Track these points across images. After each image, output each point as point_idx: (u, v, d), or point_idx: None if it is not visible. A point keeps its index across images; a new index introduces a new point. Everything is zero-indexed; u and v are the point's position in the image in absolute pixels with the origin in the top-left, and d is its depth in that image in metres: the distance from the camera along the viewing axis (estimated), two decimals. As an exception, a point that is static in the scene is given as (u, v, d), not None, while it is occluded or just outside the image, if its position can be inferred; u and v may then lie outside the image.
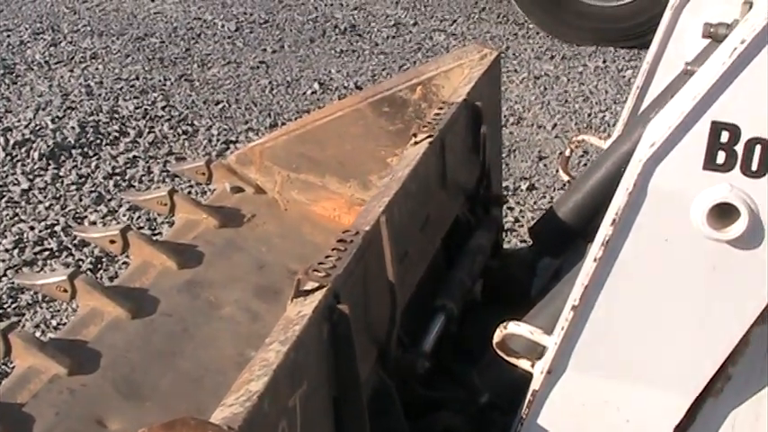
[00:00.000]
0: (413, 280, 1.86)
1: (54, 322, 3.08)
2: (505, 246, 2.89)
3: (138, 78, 5.18)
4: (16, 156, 4.13)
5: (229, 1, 6.80)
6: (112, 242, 2.03)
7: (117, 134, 4.47)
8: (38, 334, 2.95)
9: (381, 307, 1.60)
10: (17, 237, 3.52)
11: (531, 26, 6.55)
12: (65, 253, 3.46)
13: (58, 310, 3.14)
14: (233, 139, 4.55)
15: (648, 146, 1.34)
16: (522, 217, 3.97)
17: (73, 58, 5.46)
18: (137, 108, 4.75)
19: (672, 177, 1.35)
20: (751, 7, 1.70)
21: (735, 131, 1.31)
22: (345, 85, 5.36)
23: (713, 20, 2.10)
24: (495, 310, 1.93)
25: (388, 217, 1.64)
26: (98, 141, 4.37)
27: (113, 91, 4.94)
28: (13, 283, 3.21)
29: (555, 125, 4.99)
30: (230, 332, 1.87)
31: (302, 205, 2.42)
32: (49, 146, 4.21)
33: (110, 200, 3.87)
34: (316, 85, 5.31)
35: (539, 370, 1.52)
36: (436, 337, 1.87)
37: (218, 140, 4.52)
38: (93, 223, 3.68)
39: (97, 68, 5.31)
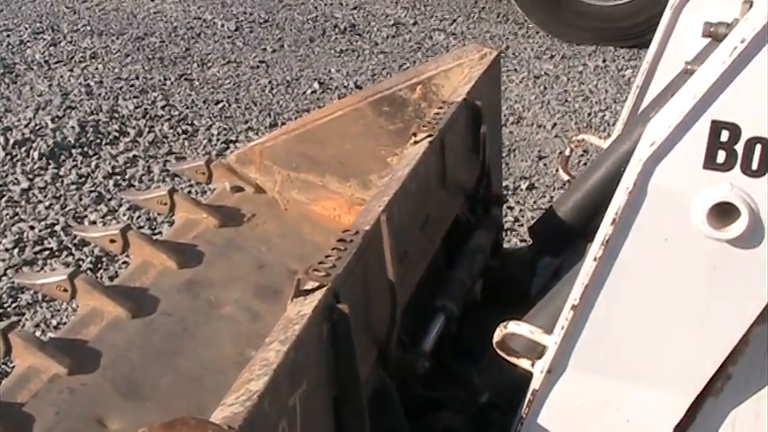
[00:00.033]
0: (413, 280, 1.86)
1: (54, 322, 3.08)
2: (505, 245, 2.89)
3: (137, 78, 5.18)
4: (16, 155, 4.13)
5: (229, 0, 6.80)
6: (112, 242, 2.03)
7: (117, 134, 4.47)
8: (38, 333, 2.95)
9: (381, 307, 1.60)
10: (17, 236, 3.52)
11: (530, 25, 6.55)
12: (65, 252, 3.46)
13: (58, 310, 3.14)
14: (233, 138, 4.55)
15: (648, 145, 1.34)
16: (522, 216, 3.97)
17: (73, 57, 5.46)
18: (137, 107, 4.75)
19: (672, 177, 1.35)
20: (751, 6, 1.70)
21: (735, 131, 1.31)
22: (345, 84, 5.36)
23: (713, 19, 2.10)
24: (495, 309, 1.93)
25: (389, 216, 1.64)
26: (98, 141, 4.37)
27: (113, 90, 4.94)
28: (13, 282, 3.21)
29: (555, 124, 4.99)
30: (230, 332, 1.87)
31: (302, 205, 2.42)
32: (48, 145, 4.21)
33: (110, 199, 3.87)
34: (315, 85, 5.31)
35: (539, 369, 1.52)
36: (436, 337, 1.87)
37: (217, 140, 4.52)
38: (94, 223, 3.68)
39: (97, 68, 5.31)
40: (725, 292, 1.39)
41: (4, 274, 3.29)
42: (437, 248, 2.08)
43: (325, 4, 6.89)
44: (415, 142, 2.01)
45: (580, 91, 5.49)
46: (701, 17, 2.28)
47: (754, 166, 1.32)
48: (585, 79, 5.70)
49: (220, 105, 4.93)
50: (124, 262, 3.27)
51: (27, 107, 4.61)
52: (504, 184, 3.97)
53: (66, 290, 1.82)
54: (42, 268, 3.35)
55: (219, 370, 1.73)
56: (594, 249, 1.41)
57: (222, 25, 6.26)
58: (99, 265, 3.39)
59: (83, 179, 4.02)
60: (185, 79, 5.27)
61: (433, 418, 1.80)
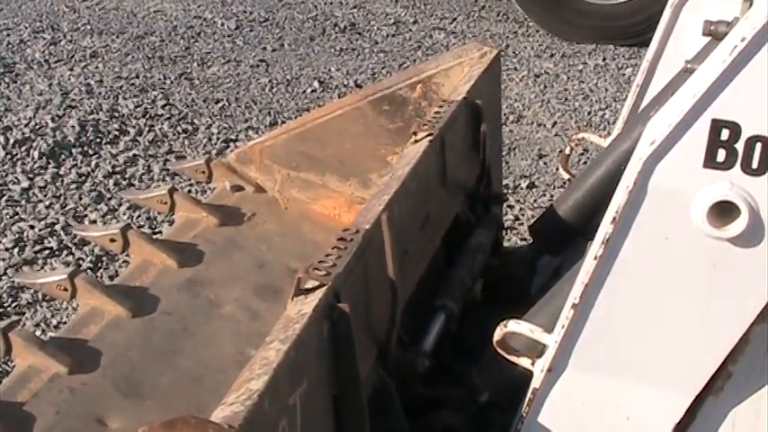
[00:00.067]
0: (413, 278, 1.86)
1: (54, 321, 3.08)
2: (505, 244, 2.89)
3: (137, 77, 5.18)
4: (16, 154, 4.13)
5: (229, -1, 6.81)
6: (112, 241, 2.03)
7: (117, 133, 4.47)
8: (38, 333, 2.95)
9: (381, 306, 1.60)
10: (17, 235, 3.52)
11: (530, 24, 6.55)
12: (65, 252, 3.46)
13: (59, 309, 3.14)
14: (233, 137, 4.55)
15: (648, 144, 1.34)
16: (522, 215, 3.97)
17: (73, 56, 5.46)
18: (137, 107, 4.75)
19: (672, 175, 1.35)
20: (751, 5, 1.70)
21: (735, 129, 1.31)
22: (345, 83, 5.36)
23: (713, 17, 2.10)
24: (496, 308, 1.93)
25: (389, 215, 1.64)
26: (98, 140, 4.37)
27: (113, 89, 4.94)
28: (13, 281, 3.21)
29: (555, 123, 4.98)
30: (230, 331, 1.87)
31: (302, 204, 2.42)
32: (49, 145, 4.21)
33: (110, 198, 3.87)
34: (315, 84, 5.31)
35: (539, 368, 1.52)
36: (436, 336, 1.87)
37: (218, 139, 4.52)
38: (94, 222, 3.68)
39: (97, 67, 5.31)
40: (725, 290, 1.39)
41: (5, 274, 3.29)
42: (437, 247, 2.08)
43: (325, 3, 6.89)
44: (416, 141, 2.01)
45: (580, 89, 5.49)
46: (702, 16, 2.28)
47: (755, 164, 1.32)
48: (585, 78, 5.69)
49: (220, 104, 4.93)
50: (124, 261, 3.27)
51: (27, 106, 4.61)
52: (505, 182, 3.97)
53: (66, 289, 1.82)
54: (42, 267, 3.35)
55: (220, 369, 1.73)
56: (595, 248, 1.41)
57: (222, 24, 6.26)
58: (99, 265, 3.39)
59: (83, 178, 4.02)
60: (185, 78, 5.27)
61: (433, 417, 1.80)
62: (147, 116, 4.67)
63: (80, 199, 3.84)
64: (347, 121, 2.40)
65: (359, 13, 6.75)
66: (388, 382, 1.63)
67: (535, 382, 1.52)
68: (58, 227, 3.61)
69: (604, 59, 6.03)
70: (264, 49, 5.88)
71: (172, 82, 5.18)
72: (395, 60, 5.83)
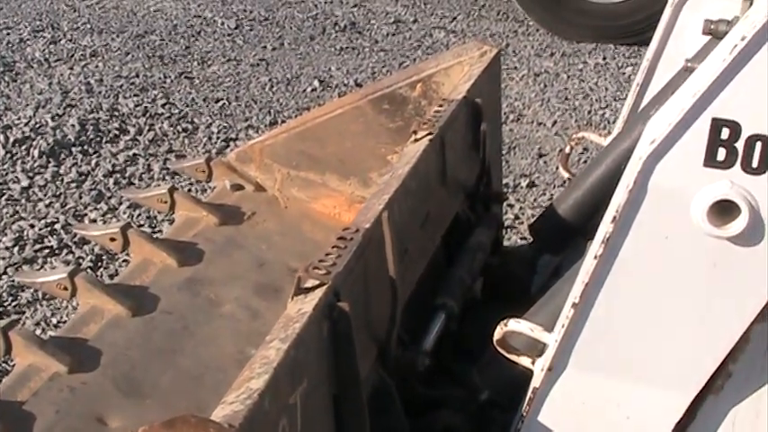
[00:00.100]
0: (413, 277, 1.86)
1: (54, 320, 3.08)
2: (505, 243, 2.89)
3: (138, 76, 5.18)
4: (16, 153, 4.13)
5: (229, -2, 6.81)
6: (113, 240, 2.03)
7: (117, 132, 4.47)
8: (38, 332, 2.95)
9: (382, 305, 1.60)
10: (17, 234, 3.52)
11: (530, 23, 6.54)
12: (65, 251, 3.46)
13: (59, 308, 3.14)
14: (233, 136, 4.55)
15: (649, 143, 1.34)
16: (522, 214, 3.97)
17: (73, 55, 5.46)
18: (137, 106, 4.75)
19: (672, 174, 1.35)
20: (751, 4, 1.70)
21: (735, 128, 1.31)
22: (345, 82, 5.36)
23: (713, 16, 2.10)
24: (496, 307, 1.93)
25: (389, 214, 1.64)
26: (98, 139, 4.37)
27: (113, 89, 4.94)
28: (13, 280, 3.21)
29: (555, 122, 4.98)
30: (230, 330, 1.87)
31: (302, 203, 2.42)
32: (49, 144, 4.20)
33: (110, 197, 3.87)
34: (316, 83, 5.30)
35: (539, 367, 1.52)
36: (436, 336, 1.87)
37: (218, 138, 4.52)
38: (94, 221, 3.68)
39: (97, 66, 5.31)
40: (725, 289, 1.39)
41: (5, 273, 3.28)
42: (437, 246, 2.08)
43: (326, 2, 6.89)
44: (416, 140, 2.01)
45: (580, 88, 5.49)
46: (702, 15, 2.28)
47: (755, 163, 1.32)
48: (586, 77, 5.69)
49: (220, 103, 4.93)
50: (124, 260, 3.26)
51: (27, 105, 4.61)
52: (505, 181, 3.97)
53: (66, 288, 1.82)
54: (42, 266, 3.35)
55: (220, 368, 1.73)
56: (595, 247, 1.41)
57: (222, 23, 6.26)
58: (99, 264, 3.39)
59: (83, 177, 4.02)
60: (185, 77, 5.27)
61: (433, 416, 1.80)
62: (147, 115, 4.67)
63: (80, 198, 3.84)
64: (347, 120, 2.40)
65: (359, 12, 6.75)
66: (389, 381, 1.63)
67: (535, 382, 1.52)
68: (58, 226, 3.61)
69: (604, 58, 6.03)
70: (264, 48, 5.88)
71: (172, 81, 5.18)
72: (395, 59, 5.83)
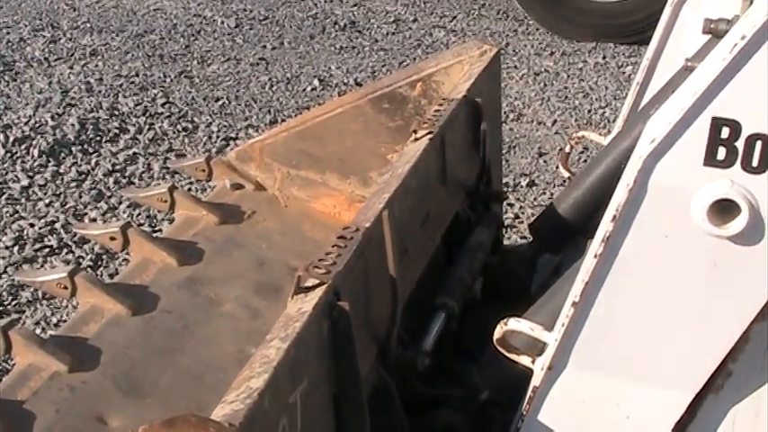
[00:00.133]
0: (413, 277, 1.86)
1: (54, 319, 3.08)
2: (505, 242, 2.89)
3: (137, 75, 5.18)
4: (16, 153, 4.12)
5: (229, -3, 6.80)
6: (112, 239, 2.03)
7: (117, 131, 4.46)
8: (38, 331, 2.95)
9: (382, 304, 1.60)
10: (17, 234, 3.52)
11: (530, 22, 6.54)
12: (65, 250, 3.45)
13: (59, 308, 3.14)
14: (233, 135, 4.55)
15: (649, 142, 1.34)
16: (522, 213, 3.97)
17: (72, 54, 5.46)
18: (136, 105, 4.75)
19: (672, 173, 1.35)
20: (751, 3, 1.70)
21: (735, 127, 1.31)
22: (345, 81, 5.35)
23: (713, 16, 2.10)
24: (496, 306, 1.93)
25: (389, 213, 1.63)
26: (98, 138, 4.37)
27: (113, 88, 4.94)
28: (13, 280, 3.21)
29: (555, 121, 4.98)
30: (230, 329, 1.87)
31: (302, 202, 2.42)
32: (48, 143, 4.20)
33: (110, 197, 3.87)
34: (315, 82, 5.30)
35: (539, 366, 1.52)
36: (436, 335, 1.87)
37: (218, 137, 4.52)
38: (94, 220, 3.68)
39: (97, 65, 5.31)
40: (725, 288, 1.39)
41: (5, 272, 3.28)
42: (437, 245, 2.08)
43: (325, 1, 6.89)
44: (416, 139, 2.01)
45: (580, 88, 5.49)
46: (702, 14, 2.28)
47: (755, 162, 1.32)
48: (586, 76, 5.69)
49: (220, 102, 4.93)
50: (124, 259, 3.26)
51: (27, 104, 4.61)
52: (505, 180, 3.97)
53: (66, 287, 1.82)
54: (42, 266, 3.35)
55: (220, 367, 1.73)
56: (595, 246, 1.41)
57: (222, 22, 6.25)
58: (99, 263, 3.39)
59: (83, 176, 4.02)
60: (185, 76, 5.26)
61: (433, 415, 1.80)
62: (147, 114, 4.67)
63: (80, 197, 3.84)
64: (347, 119, 2.40)
65: (359, 11, 6.75)
66: (389, 380, 1.64)
67: (535, 381, 1.52)
68: (57, 225, 3.61)
69: (604, 57, 6.03)
70: (264, 47, 5.87)
71: (172, 80, 5.17)
72: (395, 58, 5.83)
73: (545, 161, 4.51)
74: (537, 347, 1.53)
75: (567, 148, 2.81)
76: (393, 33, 6.33)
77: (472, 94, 2.21)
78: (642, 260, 1.41)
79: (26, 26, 5.87)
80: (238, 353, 1.77)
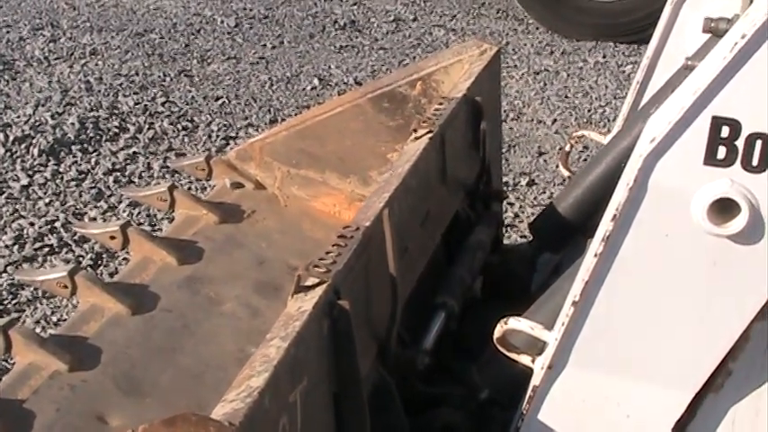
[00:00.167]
0: (413, 276, 1.86)
1: (54, 318, 3.08)
2: (505, 241, 2.89)
3: (137, 74, 5.18)
4: (16, 152, 4.12)
5: (229, -4, 6.80)
6: (112, 238, 2.03)
7: (117, 130, 4.46)
8: (38, 330, 2.95)
9: (382, 303, 1.60)
10: (17, 233, 3.52)
11: (530, 21, 6.54)
12: (65, 249, 3.46)
13: (59, 307, 3.14)
14: (233, 134, 4.55)
15: (649, 141, 1.34)
16: (522, 212, 3.97)
17: (72, 53, 5.46)
18: (136, 104, 4.75)
19: (672, 173, 1.35)
20: (751, 2, 1.70)
21: (735, 126, 1.31)
22: (345, 80, 5.35)
23: (713, 14, 2.10)
24: (496, 305, 1.93)
25: (389, 212, 1.63)
26: (98, 137, 4.37)
27: (113, 87, 4.94)
28: (13, 279, 3.21)
29: (555, 120, 4.98)
30: (231, 328, 1.87)
31: (302, 201, 2.42)
32: (48, 142, 4.20)
33: (110, 196, 3.87)
34: (315, 81, 5.30)
35: (539, 365, 1.52)
36: (436, 334, 1.87)
37: (217, 136, 4.52)
38: (93, 219, 3.67)
39: (97, 64, 5.31)
40: (725, 288, 1.39)
41: (5, 271, 3.28)
42: (437, 244, 2.08)
43: (325, 0, 6.89)
44: (416, 138, 2.01)
45: (580, 87, 5.49)
46: (702, 13, 2.28)
47: (755, 161, 1.32)
48: (585, 75, 5.69)
49: (220, 102, 4.93)
50: (124, 258, 3.26)
51: (27, 104, 4.61)
52: (504, 180, 3.97)
53: (66, 286, 1.82)
54: (42, 265, 3.35)
55: (220, 366, 1.73)
56: (595, 245, 1.41)
57: (222, 21, 6.25)
58: (99, 262, 3.39)
59: (83, 176, 4.02)
60: (185, 75, 5.26)
61: (433, 414, 1.80)
62: (147, 113, 4.67)
63: (80, 196, 3.84)
64: (347, 118, 2.40)
65: (359, 10, 6.75)
66: (389, 379, 1.64)
67: (535, 380, 1.52)
68: (57, 224, 3.61)
69: (604, 56, 6.03)
70: (264, 46, 5.87)
71: (171, 79, 5.17)
72: (395, 58, 5.82)
73: (545, 160, 4.51)
74: (537, 346, 1.53)
75: (567, 148, 2.81)
76: (393, 32, 6.33)
77: (472, 93, 2.21)
78: (642, 259, 1.41)
79: (26, 25, 5.87)
80: (238, 352, 1.77)
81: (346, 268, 1.43)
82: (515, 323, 1.56)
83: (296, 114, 4.44)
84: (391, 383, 1.64)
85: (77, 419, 1.56)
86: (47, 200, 3.79)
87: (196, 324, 1.86)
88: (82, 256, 3.40)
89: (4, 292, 3.17)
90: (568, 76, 5.67)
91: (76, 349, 1.69)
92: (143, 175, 4.09)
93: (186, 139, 4.47)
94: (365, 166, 2.39)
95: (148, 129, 4.51)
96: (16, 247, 3.43)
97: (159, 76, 5.18)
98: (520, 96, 5.29)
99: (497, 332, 1.57)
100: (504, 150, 4.33)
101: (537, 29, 6.47)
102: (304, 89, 5.21)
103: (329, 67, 5.57)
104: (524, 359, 1.55)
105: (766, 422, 1.51)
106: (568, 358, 1.49)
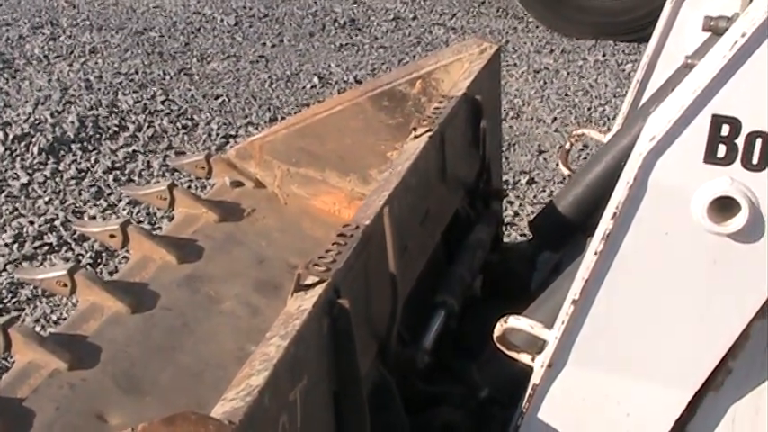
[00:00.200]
0: (413, 274, 1.86)
1: (54, 317, 3.08)
2: (505, 240, 2.89)
3: (137, 73, 5.18)
4: (16, 150, 4.12)
5: (228, -5, 6.80)
6: (112, 237, 2.03)
7: (116, 128, 4.46)
8: (38, 329, 2.95)
9: (382, 301, 1.60)
10: (17, 231, 3.52)
11: (530, 20, 6.54)
12: (64, 247, 3.46)
13: (58, 305, 3.14)
14: (232, 133, 4.55)
15: (649, 140, 1.34)
16: (522, 211, 3.97)
17: (72, 52, 5.46)
18: (136, 102, 4.75)
19: (672, 171, 1.35)
20: (751, 0, 1.70)
21: (735, 125, 1.31)
22: (345, 79, 5.35)
23: (713, 13, 2.10)
24: (495, 304, 1.93)
25: (389, 211, 1.63)
26: (97, 136, 4.37)
27: (113, 85, 4.94)
28: (12, 277, 3.21)
29: (555, 119, 4.98)
30: (230, 327, 1.87)
31: (302, 199, 2.42)
32: (48, 140, 4.20)
33: (109, 194, 3.87)
34: (315, 80, 5.30)
35: (539, 364, 1.52)
36: (436, 333, 1.87)
37: (217, 135, 4.52)
38: (93, 218, 3.68)
39: (96, 63, 5.31)
40: (725, 286, 1.39)
41: (4, 270, 3.28)
42: (437, 243, 2.08)
43: (325, -1, 6.90)
44: (415, 137, 2.01)
45: (580, 85, 5.49)
46: (702, 11, 2.28)
47: (755, 160, 1.32)
48: (585, 74, 5.69)
49: (220, 100, 4.93)
50: (124, 257, 3.26)
51: (26, 102, 4.61)
52: (504, 178, 3.97)
53: (65, 285, 1.82)
54: (42, 263, 3.35)
55: (220, 365, 1.73)
56: (595, 244, 1.41)
57: (222, 20, 6.25)
58: (99, 260, 3.39)
59: (82, 174, 4.02)
60: (185, 74, 5.26)
61: (433, 413, 1.80)
62: (147, 112, 4.67)
63: (80, 195, 3.84)
64: (347, 116, 2.39)
65: (358, 8, 6.75)
66: (389, 378, 1.63)
67: (535, 378, 1.52)
68: (57, 222, 3.61)
69: (604, 55, 6.03)
70: (264, 44, 5.87)
71: (171, 78, 5.17)
72: (394, 56, 5.82)
73: (545, 159, 4.51)
74: (537, 345, 1.53)
75: (567, 146, 2.81)
76: (393, 31, 6.33)
77: (472, 91, 2.21)
78: (642, 258, 1.41)
79: (26, 23, 5.87)
80: (238, 350, 1.77)
81: (346, 267, 1.43)
82: (515, 322, 1.56)
83: (296, 113, 4.44)
84: (391, 382, 1.64)
85: (77, 418, 1.56)
86: (46, 198, 3.79)
87: (196, 323, 1.86)
88: (81, 255, 3.40)
89: (4, 291, 3.17)
90: (568, 74, 5.67)
91: (76, 348, 1.69)
92: (143, 173, 4.09)
93: (186, 138, 4.47)
94: (365, 164, 2.39)
95: (148, 127, 4.51)
96: (16, 245, 3.43)
97: (159, 75, 5.18)
98: (520, 95, 5.29)
99: (497, 331, 1.57)
100: (503, 149, 4.33)
101: (537, 27, 6.47)
102: (304, 88, 5.21)
103: (329, 65, 5.57)
104: (524, 358, 1.55)
105: (766, 420, 1.51)
106: (568, 357, 1.49)
